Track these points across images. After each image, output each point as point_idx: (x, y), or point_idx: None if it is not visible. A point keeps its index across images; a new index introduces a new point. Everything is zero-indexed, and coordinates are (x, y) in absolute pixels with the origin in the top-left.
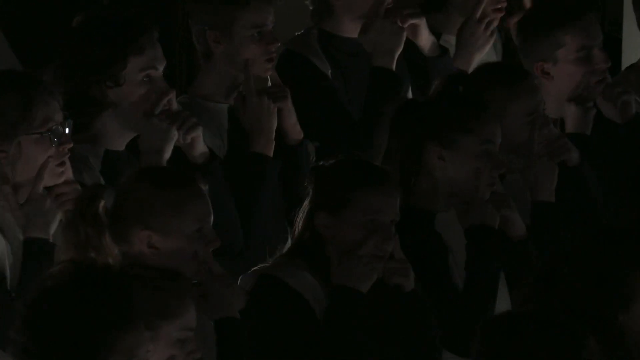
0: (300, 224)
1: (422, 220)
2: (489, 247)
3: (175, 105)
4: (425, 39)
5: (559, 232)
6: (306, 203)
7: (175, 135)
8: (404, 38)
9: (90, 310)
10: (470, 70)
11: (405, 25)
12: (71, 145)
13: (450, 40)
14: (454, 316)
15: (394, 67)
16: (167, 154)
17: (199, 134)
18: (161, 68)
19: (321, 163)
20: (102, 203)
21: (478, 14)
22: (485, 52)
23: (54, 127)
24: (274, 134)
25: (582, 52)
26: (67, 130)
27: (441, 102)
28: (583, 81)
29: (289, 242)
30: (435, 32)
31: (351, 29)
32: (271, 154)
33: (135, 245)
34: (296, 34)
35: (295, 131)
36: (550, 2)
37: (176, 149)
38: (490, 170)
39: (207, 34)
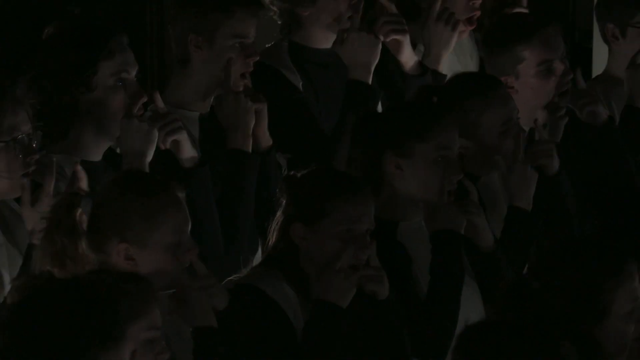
0: (274, 235)
1: (385, 230)
2: (454, 251)
3: (161, 105)
4: (407, 56)
5: (531, 241)
6: (279, 213)
7: (156, 136)
8: (379, 51)
9: (65, 328)
10: (440, 67)
11: (387, 40)
12: (37, 156)
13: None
14: (419, 325)
15: (370, 80)
16: (149, 156)
17: (183, 137)
18: (133, 72)
19: (293, 172)
20: (79, 212)
21: (435, 12)
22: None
23: (19, 137)
24: (251, 131)
25: (542, 66)
26: (34, 143)
27: (397, 112)
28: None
29: (259, 253)
30: (411, 42)
31: (321, 40)
32: (249, 150)
33: (112, 256)
34: (266, 46)
35: (265, 138)
36: (510, 18)
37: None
38: (448, 176)
39: (190, 37)
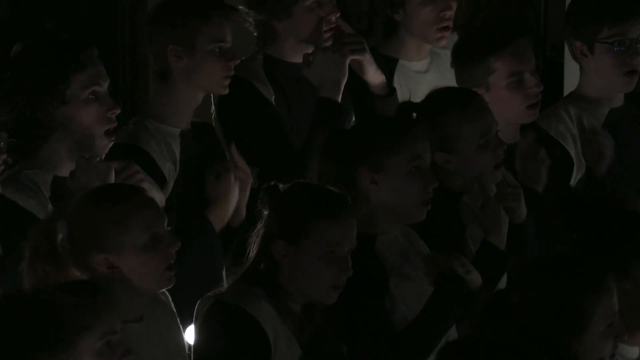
0: (255, 248)
1: (363, 244)
2: (454, 296)
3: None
4: (371, 76)
5: (498, 277)
6: (260, 226)
7: (112, 177)
8: (347, 68)
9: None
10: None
11: (347, 60)
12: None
13: (406, 65)
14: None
15: (339, 98)
16: None
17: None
18: (105, 85)
19: (274, 184)
20: (59, 237)
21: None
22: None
23: None
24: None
25: (513, 77)
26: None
27: (366, 127)
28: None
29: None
30: (392, 57)
31: (296, 53)
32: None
33: (97, 270)
34: (242, 58)
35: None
36: (481, 29)
37: None
38: (424, 185)
39: (169, 48)
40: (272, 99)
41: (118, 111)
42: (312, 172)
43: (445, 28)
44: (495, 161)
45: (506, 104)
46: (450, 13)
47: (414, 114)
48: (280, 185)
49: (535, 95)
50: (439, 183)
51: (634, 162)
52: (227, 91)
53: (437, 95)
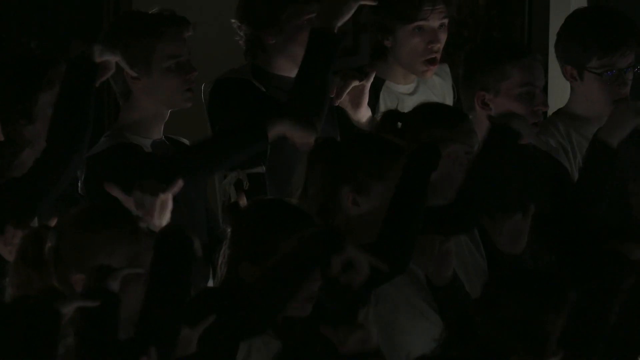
0: (223, 269)
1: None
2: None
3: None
4: (362, 110)
5: (611, 178)
6: (225, 247)
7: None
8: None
9: None
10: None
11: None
12: None
13: (392, 87)
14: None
15: (334, 30)
16: None
17: None
18: None
19: (233, 201)
20: (47, 245)
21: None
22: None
23: None
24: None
25: (525, 88)
26: None
27: (356, 146)
28: None
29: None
30: (379, 78)
31: (285, 68)
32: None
33: (74, 288)
34: (230, 69)
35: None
36: (500, 39)
37: None
38: None
39: (125, 71)
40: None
41: None
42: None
43: (432, 60)
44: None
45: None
46: (438, 46)
47: (399, 124)
48: (241, 202)
49: (539, 115)
50: None
51: (619, 179)
52: (190, 104)
53: (427, 109)
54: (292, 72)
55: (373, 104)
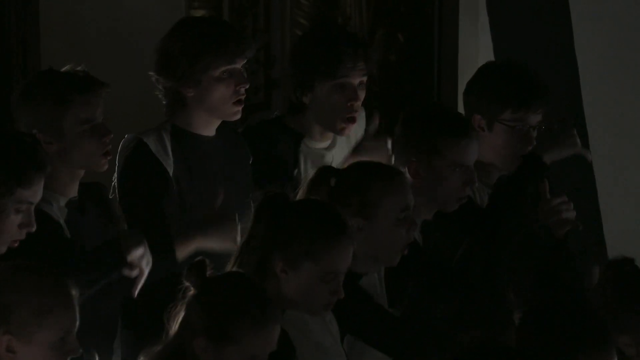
0: (175, 326)
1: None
2: None
3: None
4: None
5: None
6: (181, 307)
7: None
8: None
9: None
10: None
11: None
12: None
13: (310, 143)
14: None
15: None
16: None
17: None
18: None
19: (200, 258)
20: None
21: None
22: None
23: None
24: None
25: (458, 167)
26: None
27: (300, 215)
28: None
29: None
30: (298, 132)
31: (204, 125)
32: None
33: None
34: (153, 127)
35: None
36: (439, 108)
37: None
38: (331, 294)
39: (37, 136)
40: (171, 171)
41: None
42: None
43: (351, 119)
44: (406, 241)
45: (439, 186)
46: (358, 104)
47: (333, 180)
48: (207, 262)
49: (468, 191)
50: None
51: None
52: (106, 167)
53: (362, 165)
54: (210, 130)
55: (292, 161)
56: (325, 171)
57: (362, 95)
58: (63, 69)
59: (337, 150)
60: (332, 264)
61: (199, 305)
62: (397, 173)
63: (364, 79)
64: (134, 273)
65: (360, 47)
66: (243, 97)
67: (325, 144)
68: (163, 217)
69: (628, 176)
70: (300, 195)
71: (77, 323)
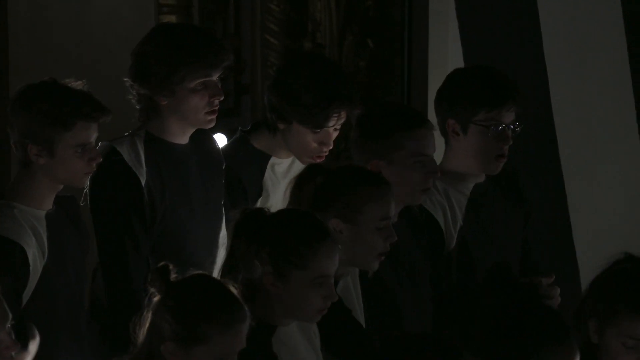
0: (143, 338)
1: (262, 333)
2: None
3: None
4: None
5: None
6: (148, 314)
7: None
8: None
9: None
10: None
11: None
12: None
13: (276, 162)
14: None
15: None
16: None
17: None
18: None
19: (164, 264)
20: None
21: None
22: None
23: None
24: None
25: (418, 158)
26: None
27: (282, 226)
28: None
29: None
30: (266, 153)
31: (177, 133)
32: None
33: None
34: (125, 134)
35: None
36: (393, 105)
37: None
38: (324, 299)
39: (29, 147)
40: (144, 179)
41: None
42: None
43: (319, 157)
44: (383, 250)
45: (403, 181)
46: (329, 148)
47: (320, 178)
48: (171, 267)
49: (430, 182)
50: None
51: (496, 234)
52: (85, 184)
53: (350, 170)
54: (184, 138)
55: (258, 178)
56: (314, 169)
57: (334, 136)
58: (66, 83)
59: (300, 166)
60: (320, 268)
61: (164, 309)
62: (385, 182)
63: (340, 124)
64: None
65: (351, 103)
66: (217, 108)
67: (288, 161)
68: (132, 233)
69: (596, 177)
70: (287, 191)
71: (8, 319)
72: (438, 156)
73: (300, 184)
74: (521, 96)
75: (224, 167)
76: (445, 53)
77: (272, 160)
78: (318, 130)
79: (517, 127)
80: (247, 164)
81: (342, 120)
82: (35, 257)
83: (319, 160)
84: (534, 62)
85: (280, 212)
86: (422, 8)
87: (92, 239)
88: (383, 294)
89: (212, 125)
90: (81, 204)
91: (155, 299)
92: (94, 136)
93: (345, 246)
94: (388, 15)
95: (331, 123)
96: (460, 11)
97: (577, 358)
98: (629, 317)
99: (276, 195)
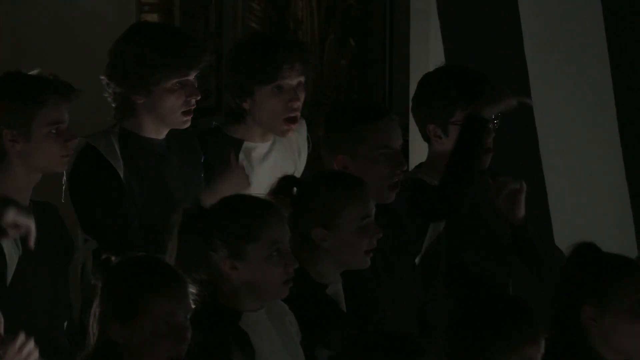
0: (95, 330)
1: (227, 318)
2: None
3: None
4: None
5: None
6: (95, 305)
7: None
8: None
9: None
10: None
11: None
12: None
13: (250, 146)
14: None
15: None
16: None
17: None
18: None
19: (105, 257)
20: None
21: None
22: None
23: None
24: None
25: (382, 150)
26: None
27: (223, 211)
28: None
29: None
30: (238, 139)
31: (153, 130)
32: None
33: None
34: (99, 131)
35: None
36: (356, 100)
37: None
38: (286, 268)
39: (4, 133)
40: (122, 174)
41: None
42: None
43: (293, 119)
44: (369, 247)
45: (371, 174)
46: (298, 104)
47: (295, 189)
48: (113, 259)
49: (399, 175)
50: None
51: (479, 230)
52: (65, 168)
53: (324, 175)
54: (160, 134)
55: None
56: (287, 180)
57: (301, 96)
58: (31, 73)
59: (277, 153)
60: (272, 237)
61: (103, 293)
62: (359, 182)
63: (302, 79)
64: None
65: (295, 48)
66: (193, 108)
67: (265, 146)
68: (123, 217)
69: (577, 174)
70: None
71: None
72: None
73: (274, 196)
74: (495, 89)
75: (202, 160)
76: (427, 51)
77: (246, 145)
78: (277, 85)
79: (496, 121)
80: (219, 151)
81: (300, 74)
82: (10, 248)
83: (293, 126)
84: (515, 60)
85: (219, 200)
86: (403, 7)
87: (77, 245)
88: (362, 291)
89: (187, 125)
90: (62, 201)
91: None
92: (66, 117)
93: (333, 252)
94: (369, 14)
95: (286, 73)
96: (442, 10)
97: (542, 345)
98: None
99: (260, 171)
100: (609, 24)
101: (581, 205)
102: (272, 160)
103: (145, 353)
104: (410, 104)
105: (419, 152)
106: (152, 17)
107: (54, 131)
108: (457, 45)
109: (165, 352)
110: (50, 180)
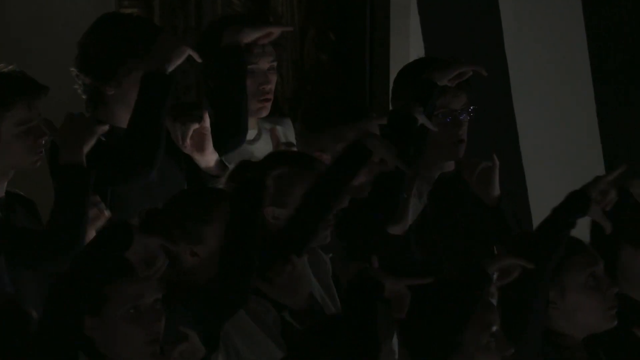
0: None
1: None
2: None
3: None
4: (208, 154)
5: None
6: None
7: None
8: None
9: None
10: None
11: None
12: None
13: None
14: None
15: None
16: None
17: None
18: None
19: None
20: None
21: None
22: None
23: None
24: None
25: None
26: None
27: (176, 203)
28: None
29: None
30: None
31: (125, 119)
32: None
33: None
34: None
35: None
36: (336, 97)
37: None
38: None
39: None
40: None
41: None
42: None
43: (266, 99)
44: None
45: None
46: (269, 87)
47: (249, 173)
48: None
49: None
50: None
51: (455, 225)
52: (39, 163)
53: (277, 155)
54: None
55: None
56: (244, 165)
57: (273, 79)
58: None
59: (261, 144)
60: (224, 221)
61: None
62: (305, 157)
63: (274, 63)
64: None
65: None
66: None
67: (250, 134)
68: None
69: (557, 168)
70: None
71: None
72: None
73: (231, 180)
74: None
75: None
76: (407, 46)
77: None
78: (249, 67)
79: (470, 111)
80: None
81: (272, 58)
82: None
83: (267, 104)
84: (494, 55)
85: (167, 201)
86: (383, 1)
87: None
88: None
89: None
90: None
91: None
92: (35, 114)
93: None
94: (350, 8)
95: (256, 57)
96: (422, 4)
97: (496, 321)
98: None
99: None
100: (588, 16)
101: (560, 192)
102: (256, 150)
103: (120, 341)
104: (390, 95)
105: None
106: (131, 12)
107: (24, 130)
108: (437, 40)
109: (141, 337)
110: (27, 175)
